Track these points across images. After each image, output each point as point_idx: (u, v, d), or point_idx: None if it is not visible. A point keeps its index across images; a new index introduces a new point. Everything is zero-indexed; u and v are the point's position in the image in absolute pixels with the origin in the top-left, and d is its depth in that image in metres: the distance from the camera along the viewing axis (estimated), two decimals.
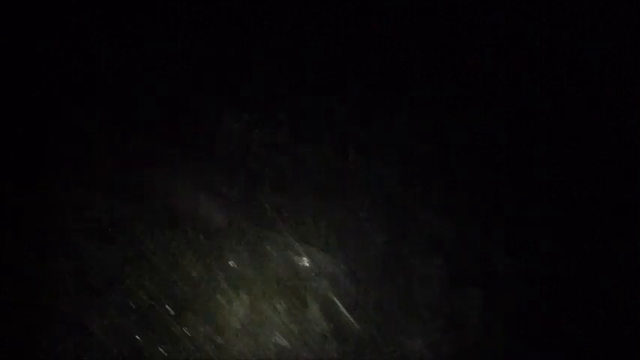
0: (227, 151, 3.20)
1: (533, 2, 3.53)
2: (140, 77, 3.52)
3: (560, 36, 3.47)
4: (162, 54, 3.64)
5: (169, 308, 2.57)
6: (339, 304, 2.64)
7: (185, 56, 3.66)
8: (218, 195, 3.00)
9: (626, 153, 3.13)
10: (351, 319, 2.59)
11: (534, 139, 3.27)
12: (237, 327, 2.60)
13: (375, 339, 2.55)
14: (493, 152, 3.23)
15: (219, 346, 2.55)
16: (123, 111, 3.41)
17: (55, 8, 3.51)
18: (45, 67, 3.46)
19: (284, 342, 2.52)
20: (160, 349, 2.45)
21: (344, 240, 2.84)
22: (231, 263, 2.73)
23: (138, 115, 3.40)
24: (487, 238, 2.93)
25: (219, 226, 2.83)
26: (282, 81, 3.54)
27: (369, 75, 3.59)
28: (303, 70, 3.58)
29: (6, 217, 2.86)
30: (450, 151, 3.24)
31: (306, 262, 2.64)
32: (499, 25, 3.55)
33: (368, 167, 3.14)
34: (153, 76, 3.52)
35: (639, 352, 2.61)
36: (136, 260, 2.73)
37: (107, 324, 2.58)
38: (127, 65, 3.56)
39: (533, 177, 3.15)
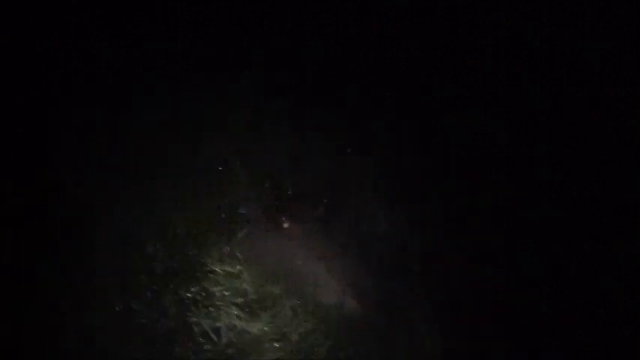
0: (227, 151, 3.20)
1: (533, 2, 3.53)
2: (140, 77, 3.52)
3: (560, 36, 3.47)
4: (162, 54, 3.64)
5: None
6: None
7: (185, 56, 3.66)
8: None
9: (626, 153, 3.13)
10: None
11: (534, 139, 3.27)
12: None
13: None
14: (493, 152, 3.22)
15: None
16: (123, 111, 3.41)
17: (55, 8, 3.50)
18: (45, 67, 3.46)
19: None
20: None
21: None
22: None
23: (138, 115, 3.40)
24: (487, 237, 2.93)
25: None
26: (282, 81, 3.54)
27: (369, 75, 3.58)
28: (303, 70, 3.58)
29: (6, 218, 2.86)
30: (450, 152, 3.24)
31: None
32: (499, 25, 3.54)
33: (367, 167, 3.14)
34: (153, 76, 3.52)
35: (639, 352, 2.61)
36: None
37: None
38: (127, 65, 3.56)
39: (533, 177, 3.14)
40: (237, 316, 2.56)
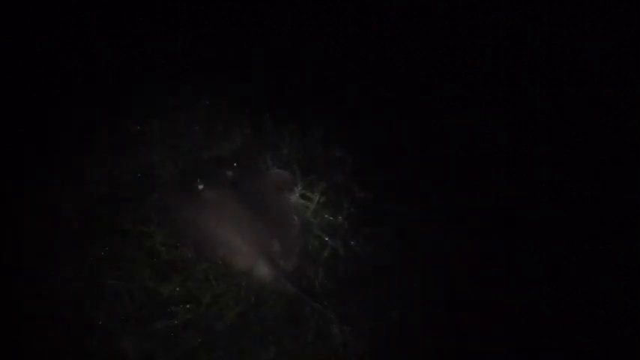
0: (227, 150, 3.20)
1: (533, 2, 3.53)
2: (140, 77, 3.52)
3: (560, 36, 3.47)
4: (163, 54, 3.64)
5: None
6: None
7: (185, 56, 3.66)
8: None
9: (626, 153, 3.14)
10: None
11: (534, 139, 3.27)
12: None
13: None
14: (493, 152, 3.23)
15: None
16: (123, 111, 3.41)
17: (55, 8, 3.51)
18: (45, 67, 3.46)
19: None
20: None
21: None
22: None
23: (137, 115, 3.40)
24: (487, 237, 2.93)
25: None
26: (282, 81, 3.54)
27: (369, 75, 3.59)
28: (303, 70, 3.58)
29: (6, 217, 2.86)
30: (450, 152, 3.24)
31: None
32: (499, 25, 3.55)
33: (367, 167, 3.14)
34: (153, 76, 3.52)
35: (639, 352, 2.61)
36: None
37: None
38: (127, 65, 3.56)
39: (533, 177, 3.15)
40: (150, 277, 2.57)
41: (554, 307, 2.73)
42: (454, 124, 3.31)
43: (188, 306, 2.53)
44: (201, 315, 2.50)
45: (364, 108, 3.43)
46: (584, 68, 3.39)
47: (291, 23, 3.72)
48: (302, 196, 2.87)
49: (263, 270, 2.59)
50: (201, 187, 2.76)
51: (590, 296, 2.75)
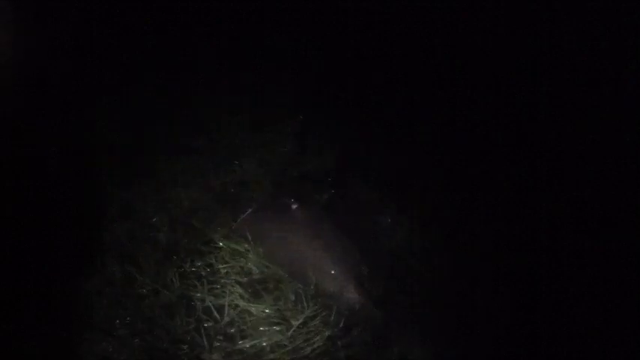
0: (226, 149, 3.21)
1: (533, 2, 3.54)
2: (140, 77, 3.53)
3: (560, 36, 3.47)
4: (163, 54, 3.65)
5: None
6: None
7: (185, 56, 3.67)
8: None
9: (626, 153, 3.14)
10: None
11: (534, 139, 3.28)
12: None
13: None
14: (493, 152, 3.23)
15: None
16: (123, 111, 3.42)
17: (54, 8, 3.52)
18: (45, 67, 3.46)
19: None
20: None
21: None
22: None
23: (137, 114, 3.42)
24: (487, 237, 2.93)
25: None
26: (282, 80, 3.55)
27: (369, 75, 3.59)
28: (303, 70, 3.59)
29: (6, 218, 2.86)
30: (450, 151, 3.24)
31: None
32: (499, 25, 3.55)
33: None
34: (153, 76, 3.53)
35: (639, 352, 2.61)
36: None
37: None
38: (127, 65, 3.57)
39: (533, 176, 3.15)
40: (241, 296, 2.53)
41: (554, 306, 2.74)
42: (454, 124, 3.32)
43: (277, 328, 2.47)
44: (290, 337, 2.43)
45: (364, 108, 3.44)
46: (584, 68, 3.39)
47: (291, 23, 3.73)
48: (392, 220, 2.84)
49: (352, 294, 2.57)
50: (294, 206, 2.72)
51: (590, 296, 2.75)
